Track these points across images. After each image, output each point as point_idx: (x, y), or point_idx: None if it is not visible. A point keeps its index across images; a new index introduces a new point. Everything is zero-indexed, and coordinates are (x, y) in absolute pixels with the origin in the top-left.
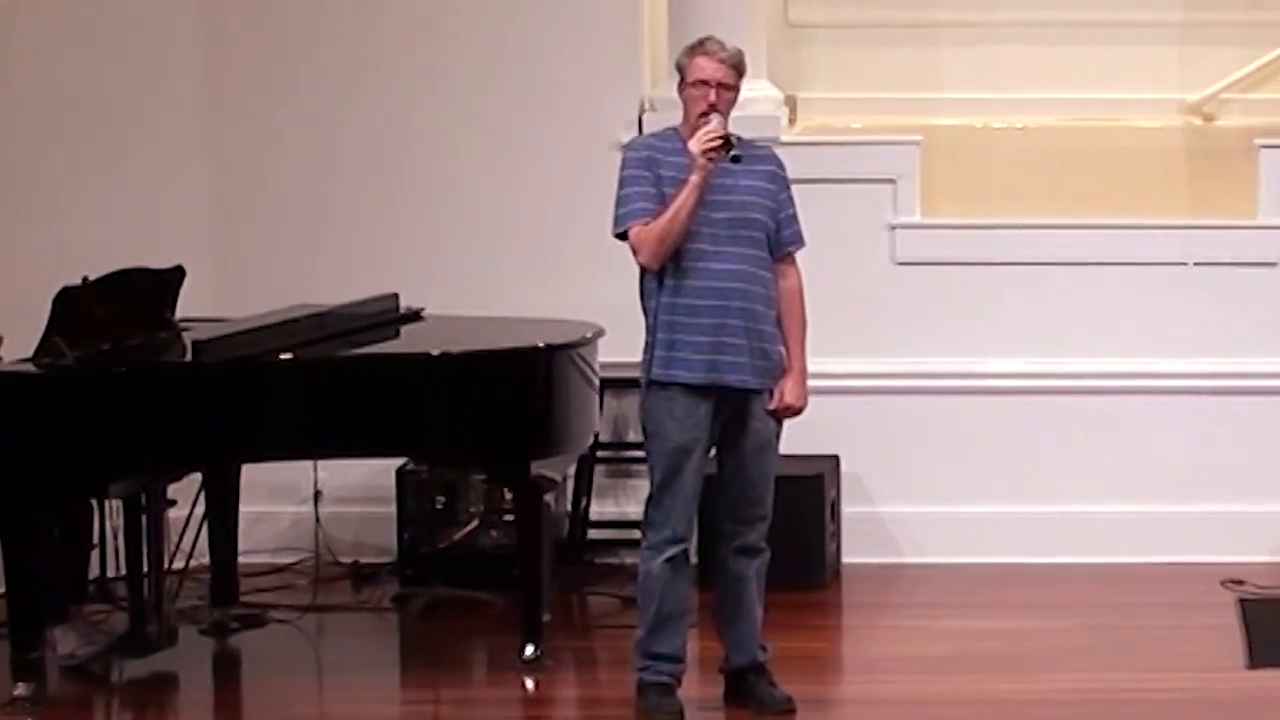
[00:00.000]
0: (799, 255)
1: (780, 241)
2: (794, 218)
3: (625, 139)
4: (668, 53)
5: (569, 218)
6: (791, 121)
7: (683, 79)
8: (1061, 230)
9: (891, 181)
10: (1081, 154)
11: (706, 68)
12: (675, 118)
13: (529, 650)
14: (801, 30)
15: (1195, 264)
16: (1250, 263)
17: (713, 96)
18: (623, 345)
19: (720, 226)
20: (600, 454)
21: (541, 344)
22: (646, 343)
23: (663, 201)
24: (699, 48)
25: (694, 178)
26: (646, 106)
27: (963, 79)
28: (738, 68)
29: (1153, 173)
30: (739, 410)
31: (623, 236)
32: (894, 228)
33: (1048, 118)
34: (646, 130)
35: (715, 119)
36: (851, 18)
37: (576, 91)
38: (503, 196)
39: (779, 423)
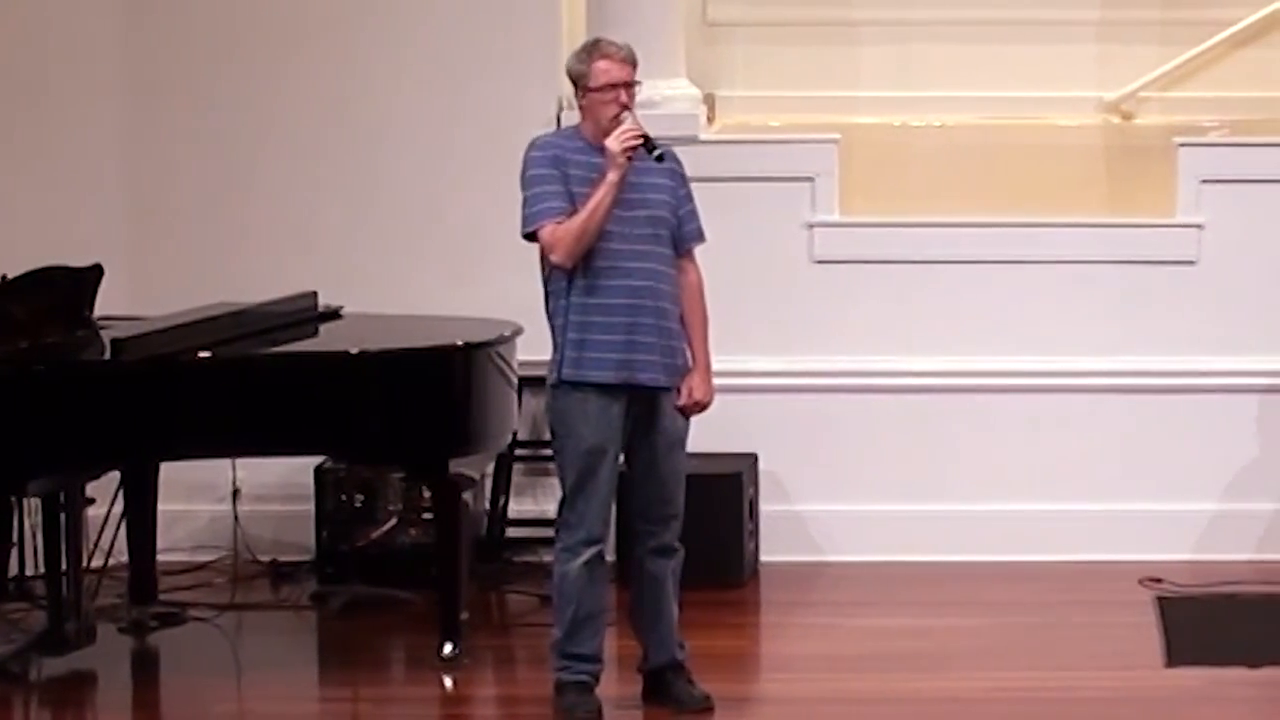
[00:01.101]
0: (698, 251)
1: (682, 237)
2: (694, 213)
3: None
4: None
5: (487, 217)
6: (710, 120)
7: (583, 85)
8: (980, 228)
9: (810, 180)
10: (1000, 152)
11: (612, 70)
12: None
13: (447, 648)
14: (720, 29)
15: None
16: (1169, 260)
17: (624, 97)
18: (541, 344)
19: (631, 225)
20: (518, 452)
21: (460, 342)
22: (555, 344)
23: (571, 201)
24: (596, 52)
25: (612, 175)
26: (565, 105)
27: (881, 77)
28: (634, 62)
29: (1071, 171)
30: (649, 409)
31: (531, 236)
32: (812, 226)
33: (966, 116)
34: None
35: (629, 117)
36: (770, 16)
37: (495, 90)
38: (421, 195)
39: (687, 420)
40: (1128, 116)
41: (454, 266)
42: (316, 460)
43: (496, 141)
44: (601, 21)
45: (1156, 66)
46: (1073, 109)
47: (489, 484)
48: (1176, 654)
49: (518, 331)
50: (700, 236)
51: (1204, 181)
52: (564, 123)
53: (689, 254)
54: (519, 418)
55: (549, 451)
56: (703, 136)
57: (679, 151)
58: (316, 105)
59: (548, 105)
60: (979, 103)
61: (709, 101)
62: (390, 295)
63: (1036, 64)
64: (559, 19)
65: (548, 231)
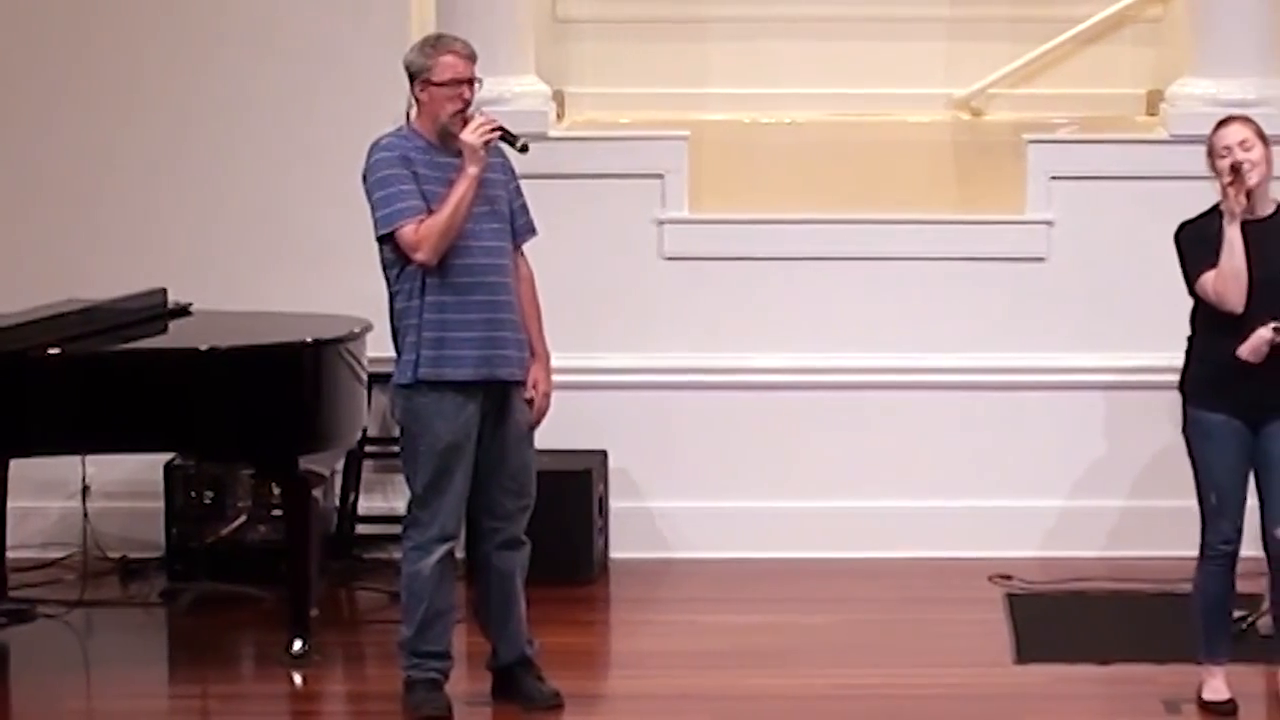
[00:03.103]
0: (540, 244)
1: (516, 231)
2: (525, 207)
3: None
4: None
5: (336, 213)
6: (559, 117)
7: (425, 79)
8: (830, 225)
9: (659, 177)
10: (850, 149)
11: (457, 66)
12: None
13: (297, 645)
14: (569, 25)
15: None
16: (1019, 257)
17: (468, 93)
18: (390, 340)
19: (479, 221)
20: (368, 449)
21: (309, 339)
22: (405, 344)
23: (423, 199)
24: (441, 47)
25: (472, 170)
26: (414, 103)
27: (731, 74)
28: (477, 60)
29: (922, 168)
30: (501, 403)
31: (388, 237)
32: (662, 223)
33: (816, 113)
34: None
35: (477, 112)
36: (619, 13)
37: (344, 87)
38: (270, 192)
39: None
40: (977, 113)
41: (303, 263)
42: (166, 457)
43: (346, 139)
44: (451, 18)
45: (1006, 63)
46: (922, 106)
47: (339, 481)
48: (1026, 651)
49: (367, 328)
50: (532, 230)
51: (1053, 178)
52: (413, 120)
53: (519, 248)
54: (369, 414)
55: (400, 449)
56: (552, 133)
57: None
58: (165, 102)
59: (396, 103)
60: (829, 99)
61: (558, 98)
62: (240, 292)
63: (886, 61)
64: (408, 16)
65: (410, 231)
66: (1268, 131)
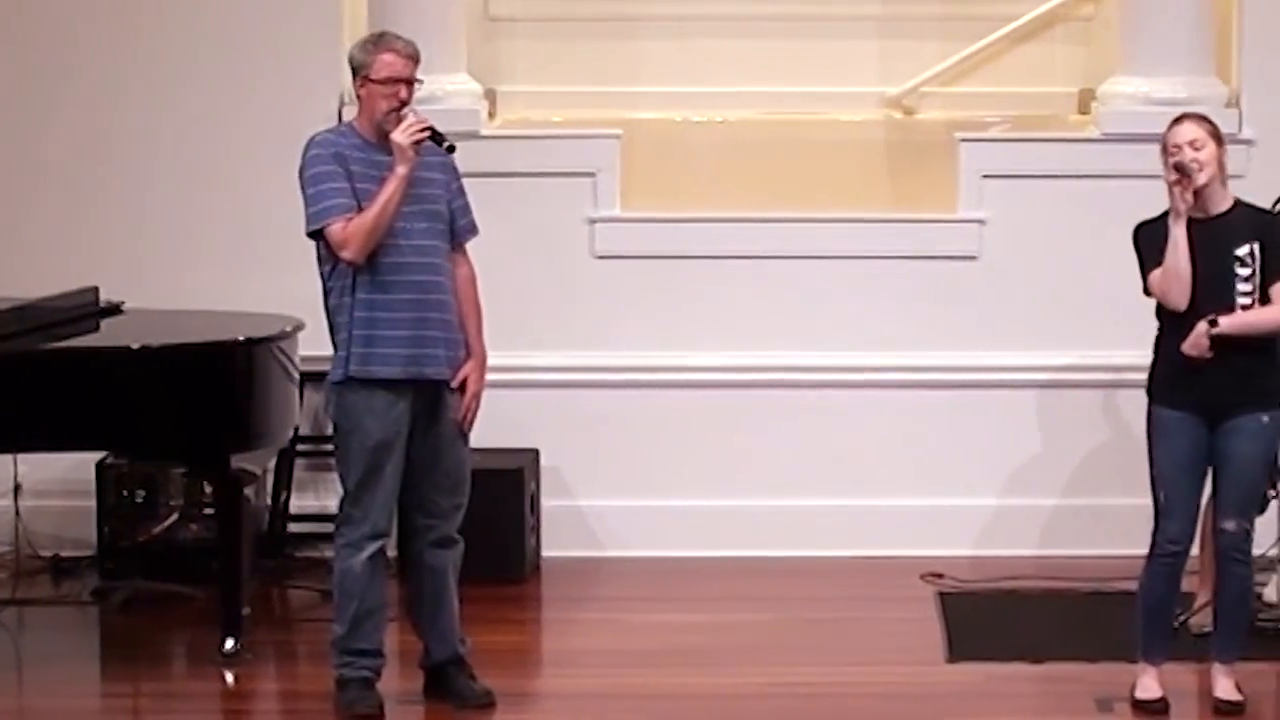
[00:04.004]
0: (478, 243)
1: (456, 231)
2: (467, 207)
3: None
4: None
5: (269, 211)
6: (491, 115)
7: (365, 75)
8: (762, 224)
9: (591, 175)
10: (782, 147)
11: (395, 64)
12: None
13: (229, 644)
14: (501, 24)
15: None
16: (951, 256)
17: (404, 93)
18: (323, 339)
19: (411, 219)
20: (300, 447)
21: (241, 337)
22: (339, 341)
23: (355, 198)
24: (382, 44)
25: (401, 169)
26: (346, 99)
27: (663, 73)
28: (418, 60)
29: (854, 166)
30: (432, 402)
31: (318, 234)
32: (594, 221)
33: (748, 111)
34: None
35: (410, 112)
36: (551, 11)
37: (276, 85)
38: (203, 190)
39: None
40: (909, 112)
41: (235, 262)
42: (98, 456)
43: (277, 136)
44: (383, 16)
45: (938, 62)
46: (855, 104)
47: (270, 479)
48: (958, 649)
49: (299, 327)
50: (474, 230)
51: (985, 177)
52: (346, 116)
53: (462, 247)
54: (301, 413)
55: (331, 447)
56: (484, 132)
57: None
58: (95, 101)
59: (329, 100)
60: (761, 98)
61: (490, 97)
62: (171, 290)
63: (818, 59)
64: (340, 13)
65: (338, 229)
66: None
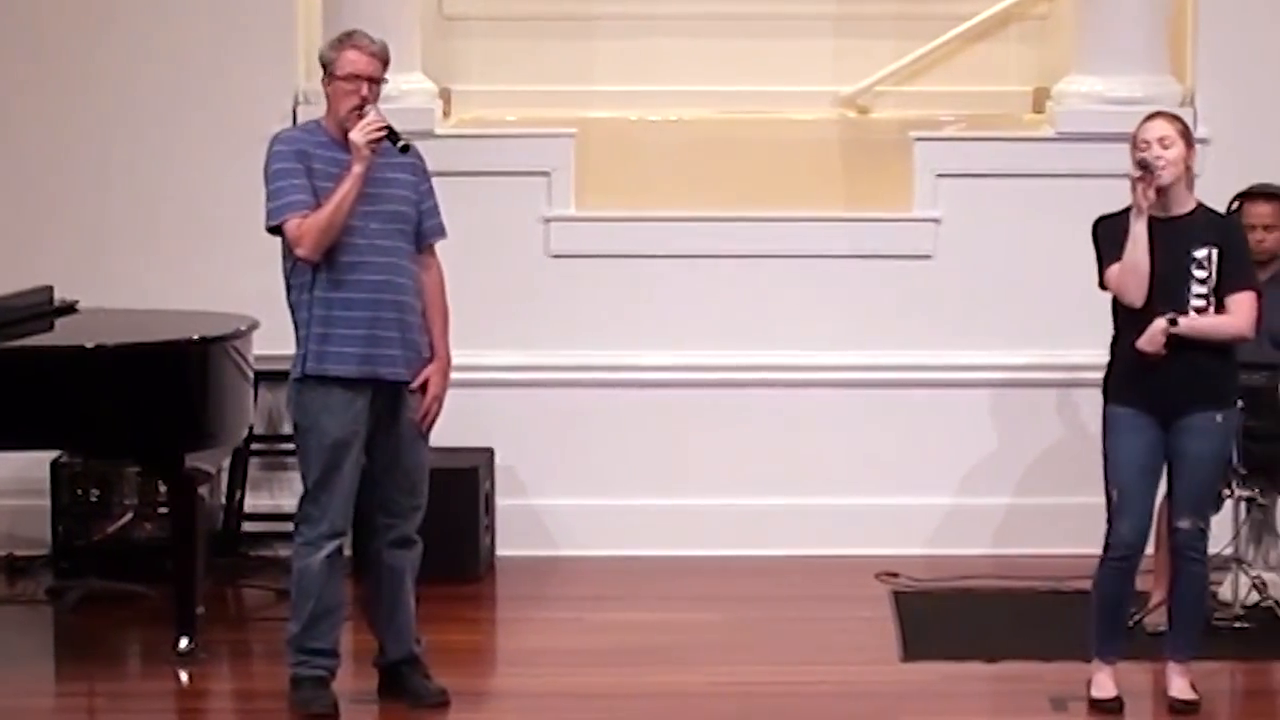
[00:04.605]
0: (439, 246)
1: (423, 233)
2: (435, 209)
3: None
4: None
5: (224, 210)
6: (446, 114)
7: (330, 72)
8: (717, 223)
9: (545, 174)
10: (737, 147)
11: (358, 62)
12: None
13: (183, 643)
14: (456, 23)
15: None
16: (905, 255)
17: (365, 91)
18: (277, 337)
19: (371, 219)
20: (254, 446)
21: (195, 336)
22: (299, 338)
23: (314, 195)
24: (348, 41)
25: (356, 168)
26: (300, 99)
27: (617, 72)
28: (386, 60)
29: (808, 165)
30: (392, 402)
31: (276, 230)
32: (548, 220)
33: (703, 111)
34: (301, 122)
35: (372, 110)
36: (506, 11)
37: (230, 84)
38: (157, 189)
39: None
40: (864, 111)
41: (190, 261)
42: (52, 454)
43: (231, 135)
44: (338, 15)
45: (892, 61)
46: (809, 103)
47: (225, 478)
48: (912, 649)
49: (253, 325)
50: (442, 232)
51: (940, 176)
52: (300, 117)
53: (430, 249)
54: (255, 412)
55: (286, 446)
56: (438, 131)
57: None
58: (49, 100)
59: (283, 100)
60: (715, 97)
61: (445, 96)
62: (126, 290)
63: (772, 58)
64: (294, 12)
65: (293, 225)
66: None
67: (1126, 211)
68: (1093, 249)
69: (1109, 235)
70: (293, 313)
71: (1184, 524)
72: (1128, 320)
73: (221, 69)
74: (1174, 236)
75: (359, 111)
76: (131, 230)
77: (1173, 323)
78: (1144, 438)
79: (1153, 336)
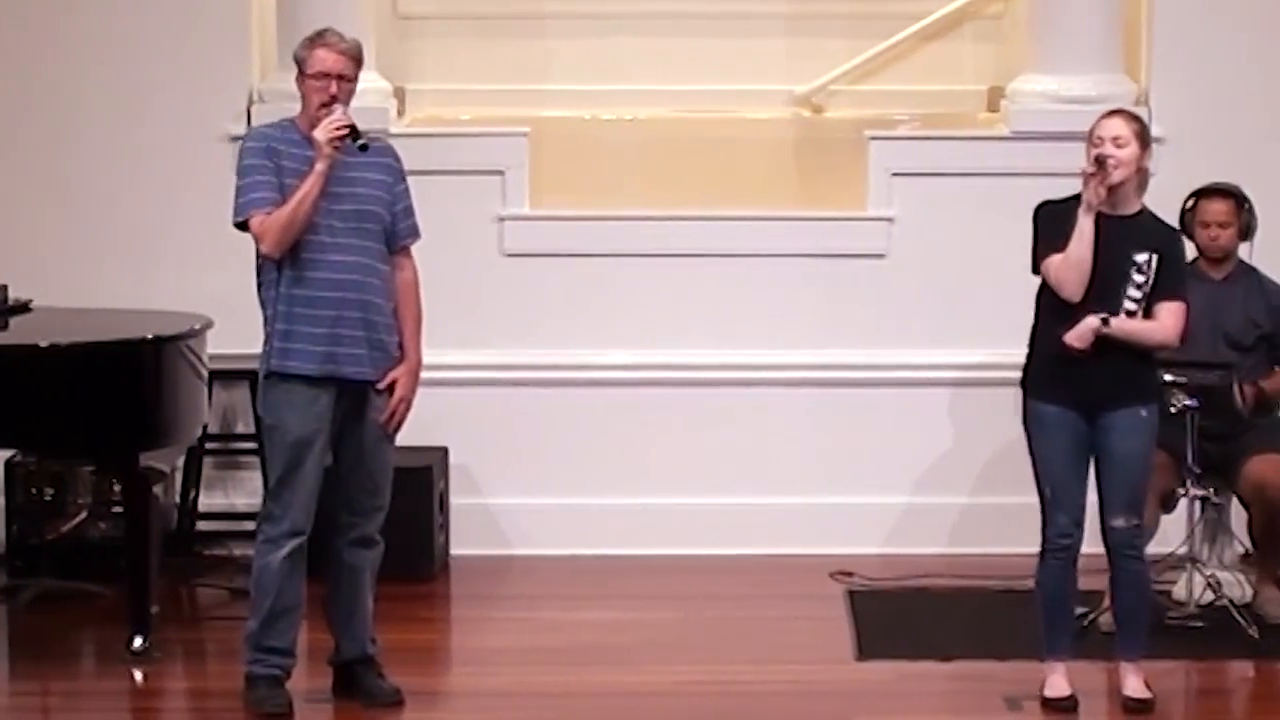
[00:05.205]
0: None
1: (396, 234)
2: (410, 210)
3: (235, 131)
4: (276, 44)
5: (178, 209)
6: (400, 113)
7: (302, 71)
8: (671, 222)
9: (500, 173)
10: (691, 146)
11: (327, 60)
12: (284, 110)
13: (137, 642)
14: (410, 22)
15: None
16: (860, 254)
17: (334, 88)
18: (232, 337)
19: (338, 218)
20: (209, 445)
21: (149, 335)
22: (266, 334)
23: (282, 192)
24: (319, 39)
25: (319, 166)
26: (255, 98)
27: (571, 71)
28: (357, 59)
29: (763, 164)
30: (357, 402)
31: (243, 226)
32: (502, 219)
33: (657, 109)
34: (255, 122)
35: (339, 108)
36: (460, 9)
37: (185, 83)
38: (111, 188)
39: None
40: (818, 110)
41: (144, 260)
42: (7, 453)
43: (185, 135)
44: (293, 15)
45: (847, 60)
46: (763, 102)
47: (179, 477)
48: (867, 648)
49: (207, 325)
50: (415, 233)
51: (894, 175)
52: (255, 117)
53: (405, 251)
54: (209, 411)
55: (240, 445)
56: (393, 130)
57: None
58: (4, 100)
59: (238, 99)
60: (669, 96)
61: (399, 95)
62: (80, 289)
63: (726, 57)
64: (248, 12)
65: (257, 221)
66: None
67: (1072, 200)
68: (1031, 233)
69: (1050, 222)
70: (262, 309)
71: (1118, 522)
72: (1055, 312)
73: (176, 68)
74: (1117, 236)
75: (328, 109)
76: (85, 229)
77: (1105, 323)
78: (1069, 433)
79: (1082, 334)
